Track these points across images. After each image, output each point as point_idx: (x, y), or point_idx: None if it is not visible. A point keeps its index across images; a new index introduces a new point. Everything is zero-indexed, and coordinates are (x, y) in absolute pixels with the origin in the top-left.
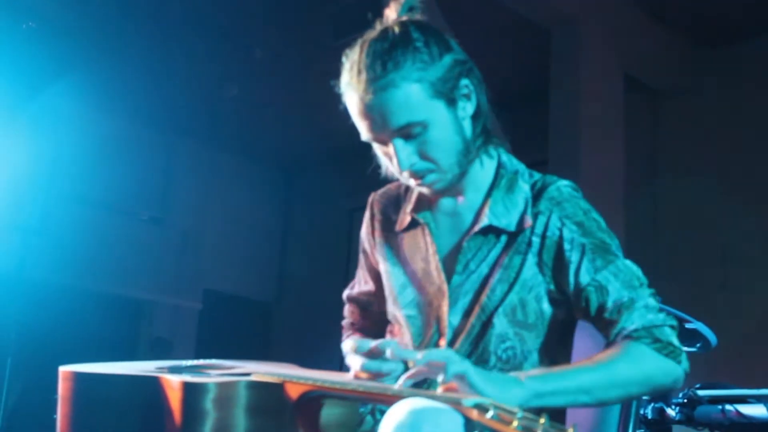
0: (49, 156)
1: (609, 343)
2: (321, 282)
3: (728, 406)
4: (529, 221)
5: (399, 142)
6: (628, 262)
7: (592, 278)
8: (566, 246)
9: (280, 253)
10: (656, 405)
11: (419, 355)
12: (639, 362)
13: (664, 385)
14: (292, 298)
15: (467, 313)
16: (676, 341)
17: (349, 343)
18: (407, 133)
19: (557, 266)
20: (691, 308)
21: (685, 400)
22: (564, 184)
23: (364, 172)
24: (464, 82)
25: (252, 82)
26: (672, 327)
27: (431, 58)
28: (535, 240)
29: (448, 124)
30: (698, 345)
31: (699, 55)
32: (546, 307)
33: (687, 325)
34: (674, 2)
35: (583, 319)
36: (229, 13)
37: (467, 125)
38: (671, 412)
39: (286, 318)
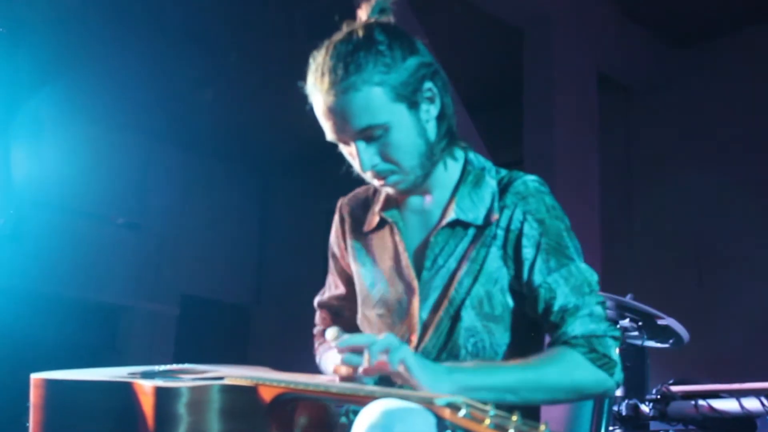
0: (23, 160)
1: (548, 345)
2: (299, 284)
3: (701, 401)
4: (496, 215)
5: (361, 144)
6: (583, 266)
7: (543, 279)
8: (524, 242)
9: (258, 257)
10: (630, 401)
11: (365, 353)
12: (569, 370)
13: (593, 394)
14: (271, 301)
15: (436, 308)
16: (613, 353)
17: (331, 332)
18: (369, 135)
19: (516, 260)
20: (666, 305)
21: (659, 397)
22: (531, 179)
23: (342, 174)
24: (428, 85)
25: (228, 85)
26: (614, 338)
27: (394, 61)
28: (500, 233)
29: (410, 127)
30: (671, 341)
31: (673, 52)
32: (510, 299)
33: (659, 322)
34: (647, 0)
35: (532, 316)
36: (203, 17)
37: (431, 127)
38: (645, 408)
39: (264, 321)
